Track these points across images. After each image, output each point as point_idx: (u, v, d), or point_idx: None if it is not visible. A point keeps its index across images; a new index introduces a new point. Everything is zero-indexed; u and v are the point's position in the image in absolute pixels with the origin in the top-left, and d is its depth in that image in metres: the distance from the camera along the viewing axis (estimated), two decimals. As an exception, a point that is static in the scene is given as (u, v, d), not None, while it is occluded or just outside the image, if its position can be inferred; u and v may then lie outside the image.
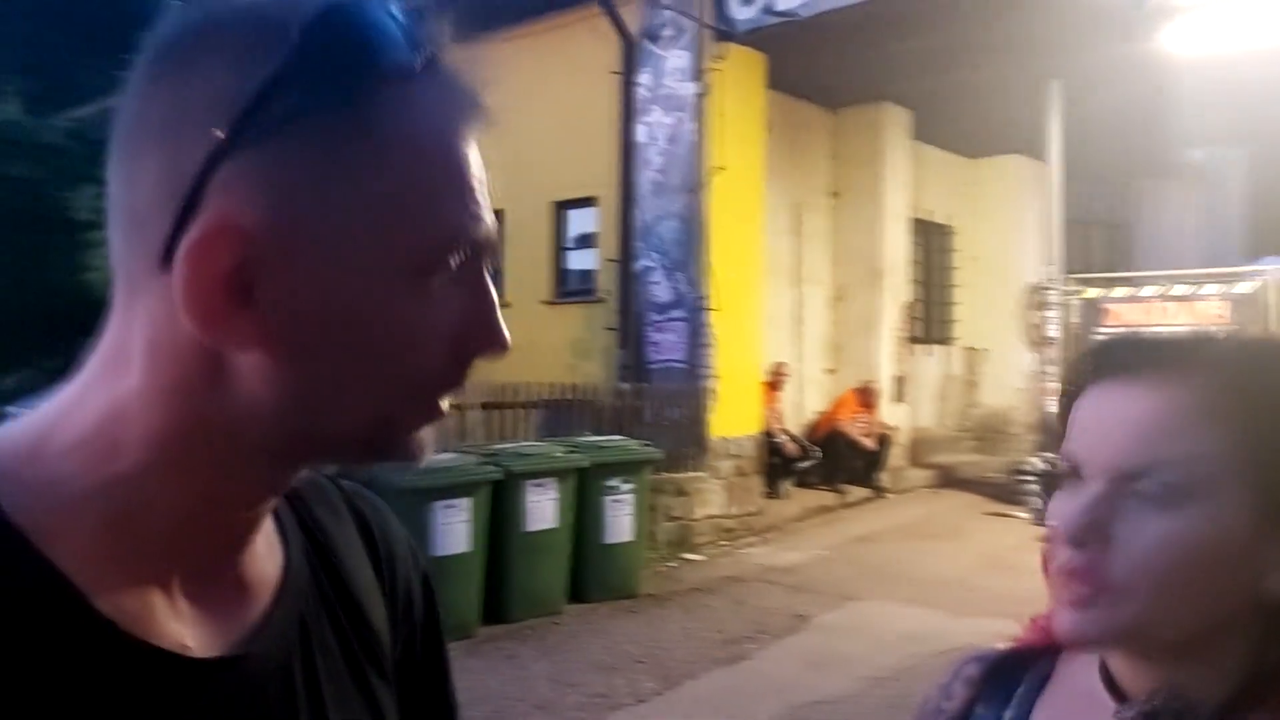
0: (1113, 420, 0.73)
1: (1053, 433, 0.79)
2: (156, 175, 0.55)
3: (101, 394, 0.59)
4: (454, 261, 0.58)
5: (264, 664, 0.64)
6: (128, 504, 0.58)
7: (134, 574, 0.59)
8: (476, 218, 0.59)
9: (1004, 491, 9.66)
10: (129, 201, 0.57)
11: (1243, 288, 9.15)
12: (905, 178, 11.25)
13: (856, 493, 9.99)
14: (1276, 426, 0.70)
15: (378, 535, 0.78)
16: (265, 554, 0.67)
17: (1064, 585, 0.73)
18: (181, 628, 0.60)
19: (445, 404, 0.62)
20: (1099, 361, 0.77)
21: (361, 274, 0.56)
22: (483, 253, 0.61)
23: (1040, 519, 8.98)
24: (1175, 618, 0.71)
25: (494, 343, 0.61)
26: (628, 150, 8.96)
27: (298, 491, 0.72)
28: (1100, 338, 0.85)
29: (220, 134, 0.53)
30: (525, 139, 10.32)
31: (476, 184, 0.60)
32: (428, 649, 0.81)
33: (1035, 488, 9.07)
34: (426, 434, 0.62)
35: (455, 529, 5.53)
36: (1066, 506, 0.73)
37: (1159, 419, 0.71)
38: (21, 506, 0.57)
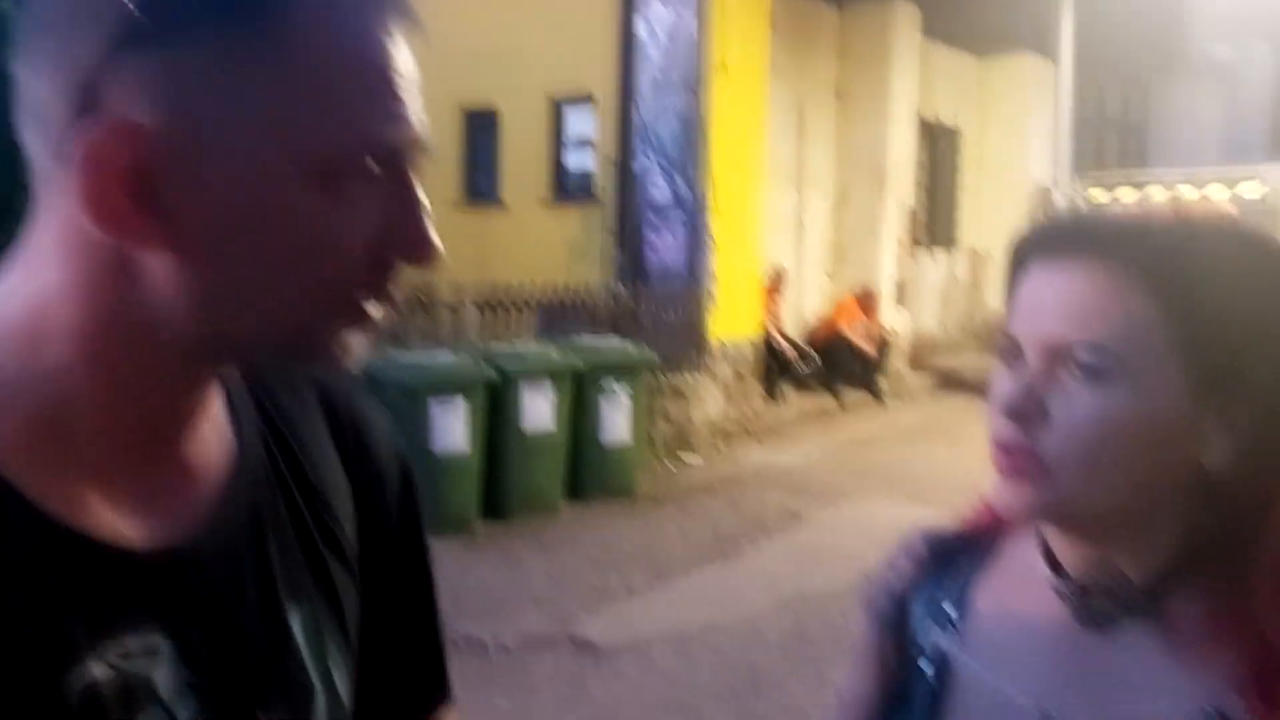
0: (1049, 297, 0.74)
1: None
2: (55, 68, 0.54)
3: (27, 287, 0.58)
4: (371, 164, 0.57)
5: (210, 554, 0.63)
6: (55, 397, 0.58)
7: (69, 465, 0.58)
8: (396, 119, 0.57)
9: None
10: (33, 95, 0.56)
11: (1246, 190, 8.99)
12: (912, 78, 10.97)
13: (855, 397, 10.01)
14: (1209, 301, 0.70)
15: (345, 419, 0.77)
16: (214, 441, 0.66)
17: (1002, 458, 0.74)
18: (122, 519, 0.60)
19: (373, 309, 0.60)
20: (1038, 240, 0.78)
21: (268, 176, 0.55)
22: (407, 155, 0.59)
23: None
24: (1109, 492, 0.72)
25: (418, 248, 0.60)
26: (627, 46, 8.72)
27: (258, 374, 0.72)
28: (1042, 218, 0.86)
29: (118, 27, 0.52)
30: (520, 34, 10.07)
31: (399, 82, 0.57)
32: (404, 533, 0.80)
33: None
34: (352, 338, 0.60)
35: (453, 427, 5.54)
36: (1005, 383, 0.75)
37: (1093, 295, 0.72)
38: None
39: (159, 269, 0.56)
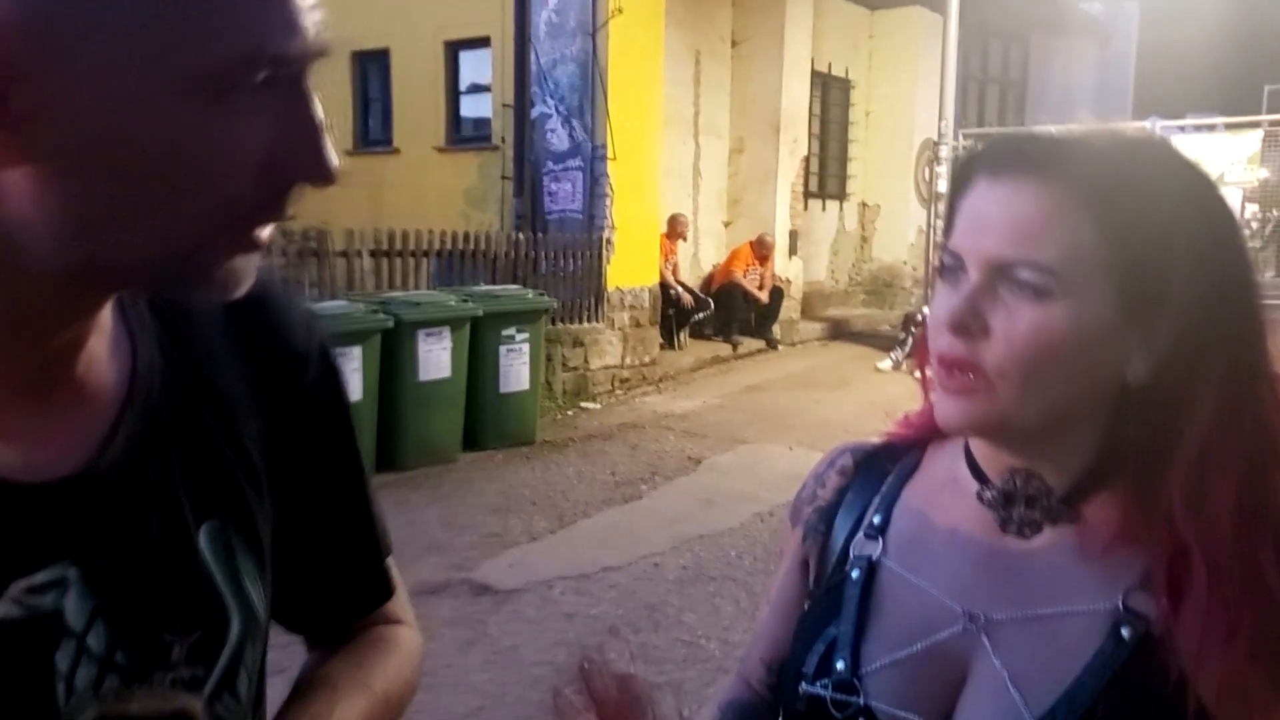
0: (993, 215, 0.75)
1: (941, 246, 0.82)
2: None
3: None
4: (259, 77, 0.52)
5: (111, 478, 0.61)
6: None
7: None
8: (289, 27, 0.52)
9: (891, 344, 10.00)
10: None
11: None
12: (806, 28, 11.08)
13: (750, 344, 10.21)
14: (1142, 223, 0.72)
15: (252, 313, 0.71)
16: (108, 358, 0.63)
17: (944, 373, 0.76)
18: (15, 453, 0.57)
19: (263, 234, 0.57)
20: (983, 159, 0.79)
21: (139, 87, 0.49)
22: (300, 67, 0.54)
23: (909, 364, 9.42)
24: (1045, 404, 0.74)
25: (315, 167, 0.55)
26: (522, -12, 8.57)
27: None
28: (991, 137, 0.88)
29: None
30: (412, -27, 9.79)
31: None
32: (328, 422, 0.78)
33: (910, 336, 9.47)
34: (241, 264, 0.57)
35: (346, 378, 5.45)
36: (948, 298, 0.76)
37: (1035, 214, 0.73)
38: None
39: (16, 187, 0.51)
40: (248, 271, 0.57)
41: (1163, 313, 0.73)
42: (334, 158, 0.56)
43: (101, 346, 0.62)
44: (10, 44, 0.48)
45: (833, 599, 0.86)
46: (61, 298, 0.56)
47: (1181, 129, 9.85)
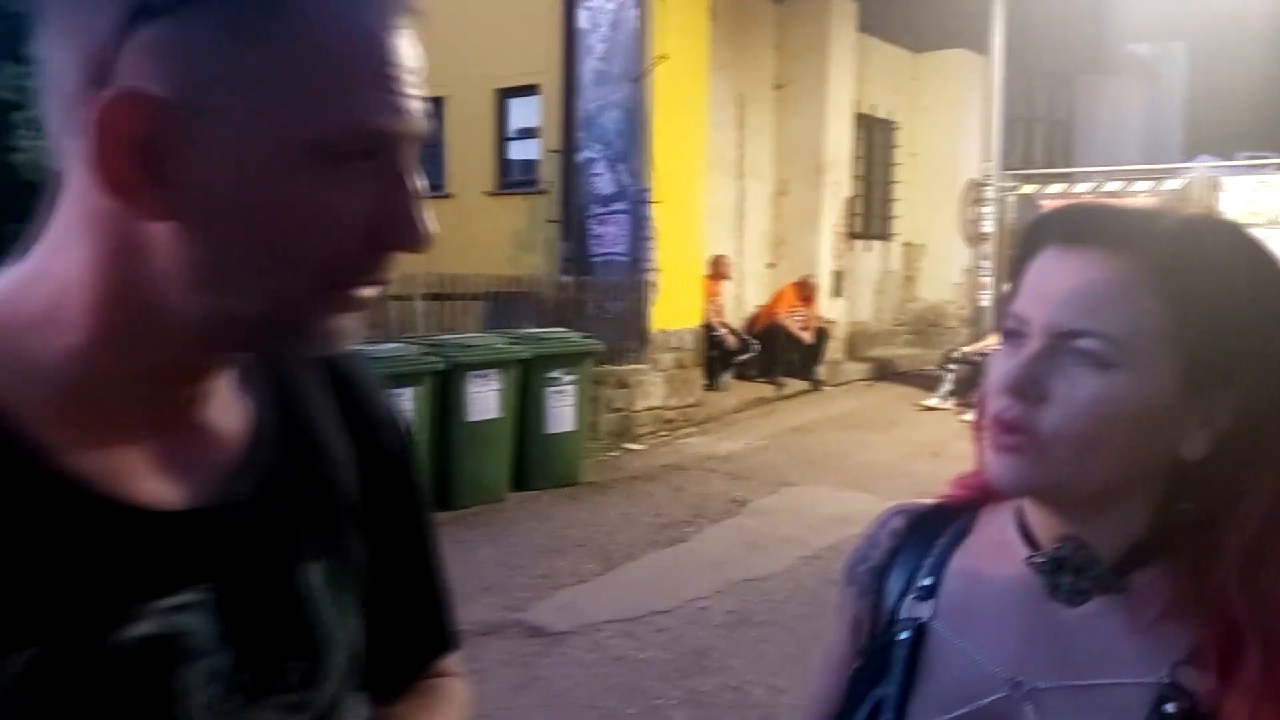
0: (1059, 283, 0.76)
1: (991, 317, 0.85)
2: (72, 41, 0.57)
3: (53, 268, 0.62)
4: (369, 149, 0.59)
5: (236, 513, 0.67)
6: (83, 374, 0.61)
7: (100, 438, 0.62)
8: (395, 108, 0.59)
9: (936, 384, 9.95)
10: (53, 69, 0.58)
11: (1171, 185, 9.37)
12: (850, 71, 11.18)
13: (794, 385, 10.21)
14: (1208, 300, 0.74)
15: (344, 380, 0.80)
16: (232, 408, 0.70)
17: (999, 434, 0.77)
18: (153, 484, 0.64)
19: (363, 293, 0.62)
20: (1053, 226, 0.80)
21: (269, 151, 0.57)
22: (402, 144, 0.61)
23: (954, 401, 9.36)
24: (1097, 471, 0.75)
25: (410, 234, 0.61)
26: (569, 36, 8.77)
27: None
28: (1053, 205, 0.90)
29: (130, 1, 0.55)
30: (465, 24, 10.04)
31: (399, 73, 0.60)
32: (404, 490, 0.84)
33: (953, 374, 9.42)
34: (343, 321, 0.63)
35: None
36: (1008, 361, 0.78)
37: (1102, 285, 0.75)
38: None
39: (164, 242, 0.58)
40: (349, 329, 0.64)
41: (1225, 391, 0.74)
42: (428, 225, 0.62)
43: (227, 395, 0.70)
44: (168, 113, 0.56)
45: (881, 660, 0.87)
46: (194, 345, 0.63)
47: (1232, 170, 9.76)
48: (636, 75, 8.42)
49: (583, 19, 8.77)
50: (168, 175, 0.57)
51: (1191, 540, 0.77)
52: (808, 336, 10.29)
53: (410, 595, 0.86)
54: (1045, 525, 0.82)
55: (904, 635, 0.87)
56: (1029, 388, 0.75)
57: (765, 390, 9.96)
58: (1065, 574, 0.80)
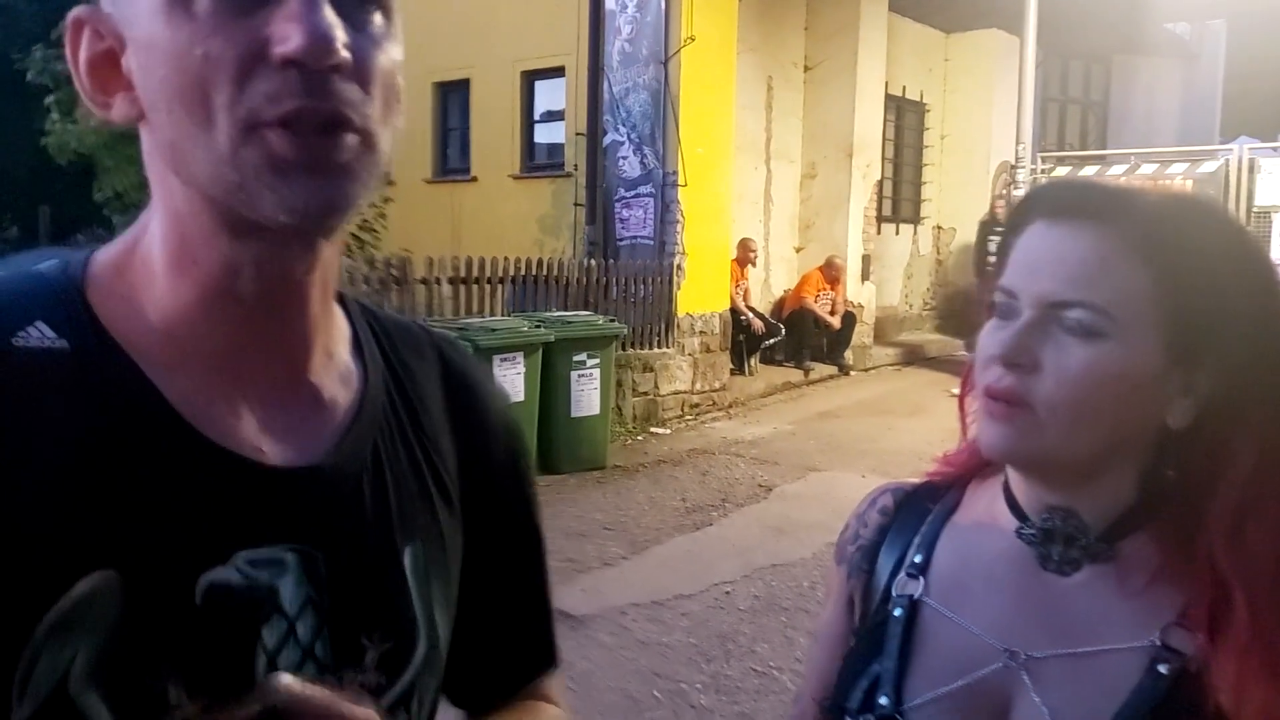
0: (1048, 256, 0.78)
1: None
2: None
3: (146, 214, 0.65)
4: None
5: (335, 475, 0.66)
6: (181, 311, 0.63)
7: (210, 386, 0.63)
8: None
9: (964, 369, 9.83)
10: None
11: (1207, 167, 9.18)
12: (879, 52, 11.03)
13: (821, 370, 10.14)
14: (1191, 272, 0.76)
15: (457, 380, 0.80)
16: (344, 380, 0.70)
17: (993, 403, 0.79)
18: (260, 439, 0.64)
19: (318, 142, 0.57)
20: (1040, 202, 0.82)
21: (151, 17, 0.58)
22: None
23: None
24: (1088, 439, 0.78)
25: (293, 35, 0.55)
26: (596, 18, 8.70)
27: (387, 330, 0.76)
28: (1040, 184, 0.91)
29: None
30: (491, 5, 10.01)
31: None
32: (511, 495, 0.82)
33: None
34: (310, 183, 0.57)
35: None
36: (1000, 333, 0.79)
37: (1090, 257, 0.77)
38: (118, 317, 0.62)
39: (154, 142, 0.61)
40: (323, 193, 0.58)
41: (1206, 361, 0.77)
42: (326, 33, 0.56)
43: (341, 367, 0.70)
44: (112, 27, 0.60)
45: (876, 636, 0.89)
46: (221, 244, 0.61)
47: (1270, 151, 9.54)
48: (664, 57, 8.35)
49: (610, 0, 8.70)
50: (128, 77, 0.60)
51: (1178, 506, 0.79)
52: (835, 321, 10.21)
53: (512, 607, 0.84)
54: (1033, 497, 0.83)
55: (898, 612, 0.88)
56: (1022, 357, 0.77)
57: (793, 375, 9.89)
58: (1055, 544, 0.81)
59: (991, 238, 10.10)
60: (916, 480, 0.98)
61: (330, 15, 0.56)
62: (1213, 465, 0.77)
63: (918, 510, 0.94)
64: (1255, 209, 8.98)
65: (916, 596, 0.88)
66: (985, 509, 0.89)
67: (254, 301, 0.63)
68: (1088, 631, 0.80)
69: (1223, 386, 0.77)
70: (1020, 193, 9.71)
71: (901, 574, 0.90)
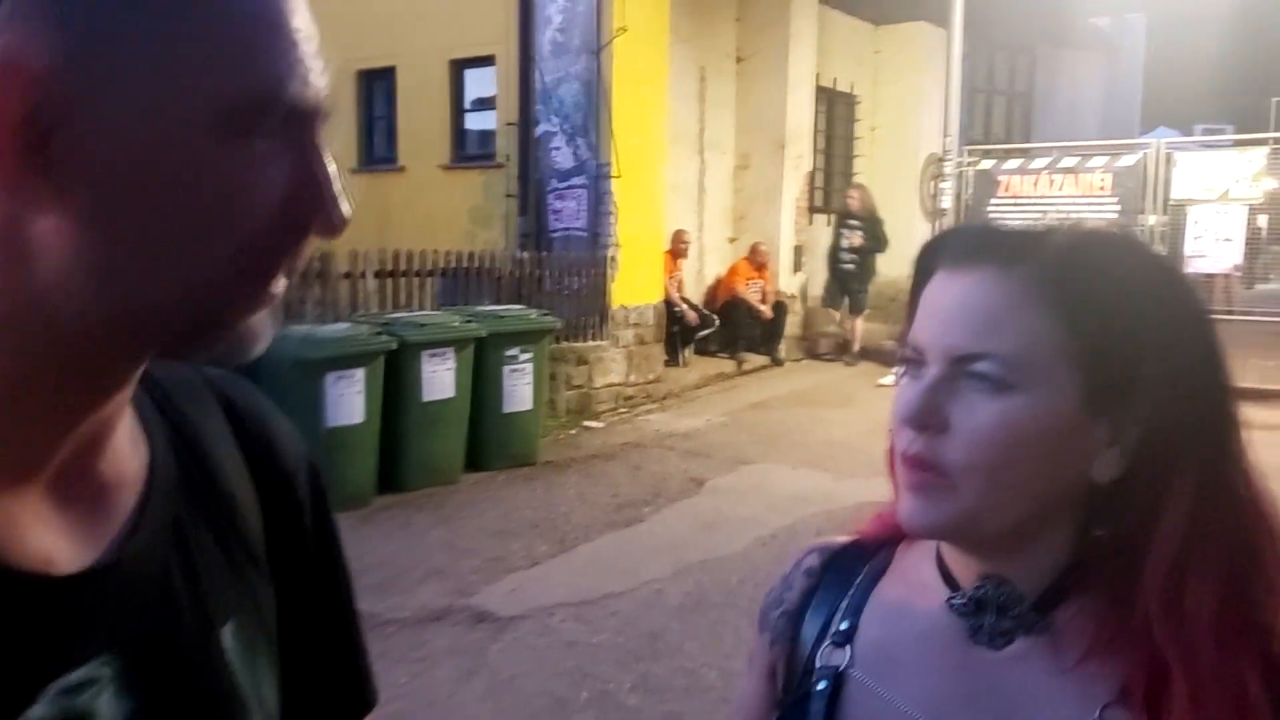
0: (951, 307, 0.74)
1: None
2: None
3: None
4: (276, 120, 0.53)
5: (136, 569, 0.60)
6: None
7: None
8: (301, 76, 0.54)
9: (894, 360, 9.97)
10: None
11: (1126, 161, 9.41)
12: (811, 43, 11.09)
13: (754, 360, 10.20)
14: (1102, 315, 0.71)
15: (248, 422, 0.74)
16: (129, 452, 0.63)
17: (906, 470, 0.74)
18: (48, 539, 0.56)
19: (278, 286, 0.56)
20: (941, 250, 0.77)
21: (167, 124, 0.50)
22: (312, 117, 0.55)
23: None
24: (1009, 501, 0.72)
25: (326, 212, 0.56)
26: (526, 7, 8.60)
27: (158, 381, 0.68)
28: (943, 231, 0.86)
29: None
30: (418, -8, 9.83)
31: (301, 39, 0.54)
32: (317, 538, 0.78)
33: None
34: (259, 321, 0.57)
35: (349, 399, 5.47)
36: (908, 392, 0.74)
37: (993, 306, 0.72)
38: None
39: (53, 234, 0.50)
40: (264, 330, 0.58)
41: (1130, 408, 0.71)
42: (346, 206, 0.57)
43: (124, 439, 0.62)
44: (52, 82, 0.48)
45: (798, 713, 0.83)
46: (94, 364, 0.55)
47: (1187, 145, 9.83)
48: (596, 48, 8.29)
49: (539, -12, 8.60)
50: (53, 158, 0.49)
51: (1111, 570, 0.73)
52: (767, 311, 10.27)
53: (325, 652, 0.79)
54: (964, 563, 0.78)
55: (822, 685, 0.83)
56: (930, 418, 0.72)
57: (726, 366, 9.94)
58: (987, 615, 0.77)
59: (843, 231, 10.41)
60: (845, 539, 0.92)
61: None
62: (1146, 521, 0.71)
63: (845, 572, 0.88)
64: (1171, 201, 9.23)
65: (842, 668, 0.82)
66: (916, 573, 0.83)
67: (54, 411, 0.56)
68: (1022, 709, 0.74)
69: (1151, 433, 0.71)
70: (945, 185, 9.86)
71: (827, 643, 0.85)
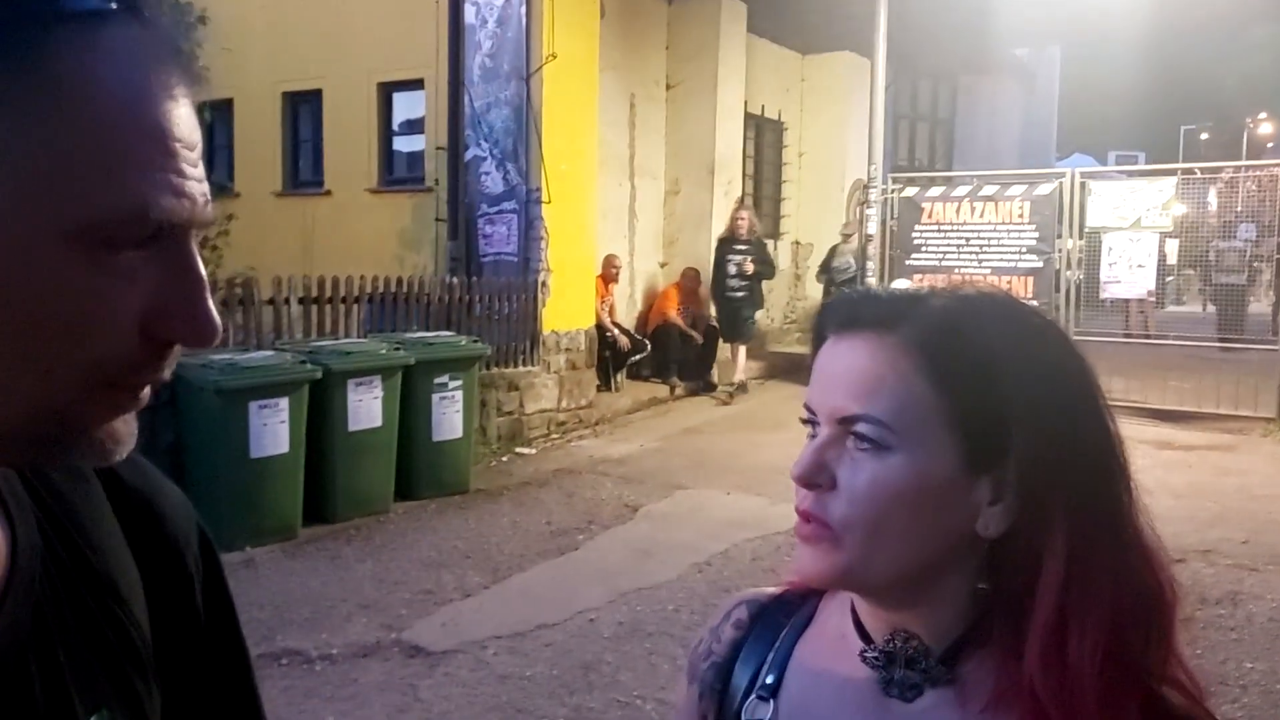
0: (836, 370, 0.78)
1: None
2: None
3: None
4: (144, 236, 0.51)
5: None
6: None
7: None
8: (175, 190, 0.52)
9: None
10: None
11: (1043, 189, 9.68)
12: (739, 71, 11.24)
13: (687, 385, 10.21)
14: (972, 378, 0.74)
15: (131, 495, 0.70)
16: None
17: (801, 524, 0.78)
18: None
19: (143, 394, 0.55)
20: (829, 316, 0.81)
21: (24, 238, 0.48)
22: (186, 229, 0.54)
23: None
24: (893, 558, 0.75)
25: (193, 328, 0.54)
26: (456, 31, 8.55)
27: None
28: (834, 298, 0.89)
29: None
30: (346, 14, 9.72)
31: (180, 149, 0.52)
32: (210, 606, 0.74)
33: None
34: (120, 426, 0.55)
35: (274, 429, 5.33)
36: (803, 451, 0.78)
37: (870, 368, 0.75)
38: None
39: None
40: (127, 434, 0.56)
41: (1007, 466, 0.74)
42: (216, 320, 0.55)
43: None
44: None
45: None
46: None
47: (1103, 174, 10.16)
48: (526, 73, 8.27)
49: (469, 14, 8.57)
50: None
51: (1005, 622, 0.75)
52: (698, 336, 10.31)
53: None
54: (874, 616, 0.81)
55: None
56: (818, 477, 0.76)
57: (659, 390, 9.93)
58: (896, 668, 0.79)
59: (731, 257, 10.03)
60: (773, 590, 0.94)
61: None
62: (1029, 573, 0.74)
63: (773, 624, 0.90)
64: (1087, 229, 9.52)
65: None
66: (835, 626, 0.86)
67: None
68: None
69: (1028, 488, 0.74)
70: (871, 212, 10.04)
71: (753, 696, 0.86)
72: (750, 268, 9.92)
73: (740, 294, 10.03)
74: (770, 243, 11.61)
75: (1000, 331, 0.76)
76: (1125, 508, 0.76)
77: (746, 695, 0.87)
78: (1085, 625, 0.72)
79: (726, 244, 10.17)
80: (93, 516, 0.67)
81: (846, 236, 11.01)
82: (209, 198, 0.55)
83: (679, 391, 10.02)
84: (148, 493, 0.72)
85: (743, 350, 10.25)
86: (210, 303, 0.55)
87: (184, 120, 0.53)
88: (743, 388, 10.12)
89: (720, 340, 10.43)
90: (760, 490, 6.53)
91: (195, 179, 0.53)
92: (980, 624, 0.77)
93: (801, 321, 13.18)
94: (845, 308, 0.81)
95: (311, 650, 4.06)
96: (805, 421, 0.80)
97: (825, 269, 11.11)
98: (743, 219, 10.14)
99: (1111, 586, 0.73)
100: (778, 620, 0.90)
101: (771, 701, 0.85)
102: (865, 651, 0.81)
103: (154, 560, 0.70)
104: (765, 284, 10.44)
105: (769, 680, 0.86)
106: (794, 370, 11.50)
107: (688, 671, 0.94)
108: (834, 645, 0.85)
